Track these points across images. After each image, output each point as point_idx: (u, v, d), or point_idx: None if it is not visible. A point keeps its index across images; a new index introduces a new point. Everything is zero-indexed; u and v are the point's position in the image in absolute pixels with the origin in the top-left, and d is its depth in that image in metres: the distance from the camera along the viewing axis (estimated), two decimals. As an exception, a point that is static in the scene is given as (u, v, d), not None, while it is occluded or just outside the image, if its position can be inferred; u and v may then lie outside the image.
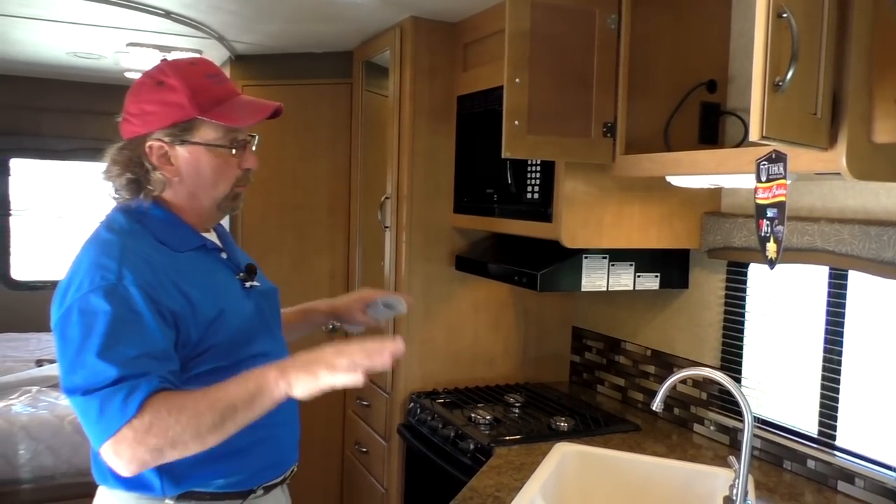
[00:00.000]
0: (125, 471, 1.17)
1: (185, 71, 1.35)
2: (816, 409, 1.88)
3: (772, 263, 1.20)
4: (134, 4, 2.54)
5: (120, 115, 1.38)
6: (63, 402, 3.30)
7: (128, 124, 1.36)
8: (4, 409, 3.21)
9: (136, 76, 3.67)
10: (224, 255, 1.46)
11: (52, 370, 3.69)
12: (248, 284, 1.46)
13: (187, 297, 1.29)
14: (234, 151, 1.38)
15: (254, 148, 1.45)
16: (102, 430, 1.15)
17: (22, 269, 4.77)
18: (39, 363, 3.90)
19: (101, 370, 1.16)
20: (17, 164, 4.75)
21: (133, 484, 1.31)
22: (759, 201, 1.22)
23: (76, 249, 1.33)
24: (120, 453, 1.15)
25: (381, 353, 1.23)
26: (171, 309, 1.26)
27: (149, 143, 1.34)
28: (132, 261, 1.25)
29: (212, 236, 1.48)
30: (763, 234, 1.21)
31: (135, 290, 1.22)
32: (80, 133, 4.53)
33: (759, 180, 1.22)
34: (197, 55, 3.17)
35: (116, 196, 1.37)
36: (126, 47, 3.20)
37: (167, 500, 1.33)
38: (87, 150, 4.52)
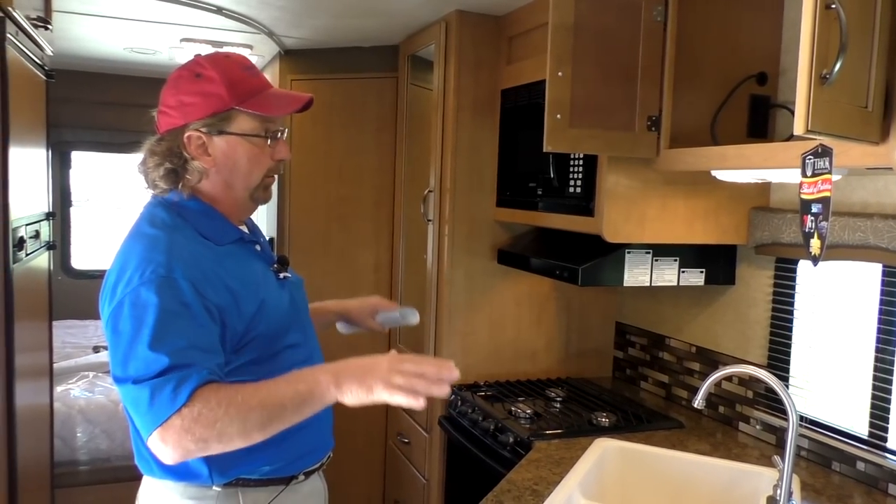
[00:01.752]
0: (169, 459, 1.19)
1: (221, 63, 1.37)
2: (867, 409, 1.83)
3: (815, 260, 1.17)
4: (187, 1, 2.60)
5: (156, 109, 1.41)
6: (118, 387, 3.41)
7: (166, 117, 1.39)
8: (63, 394, 3.34)
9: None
10: (258, 248, 1.49)
11: (108, 356, 3.82)
12: (281, 276, 1.49)
13: (231, 290, 1.32)
14: (269, 142, 1.41)
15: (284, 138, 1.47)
16: (153, 418, 1.16)
17: (81, 258, 4.94)
18: (96, 349, 4.04)
19: (151, 360, 1.18)
20: (77, 157, 4.92)
21: (181, 473, 1.35)
22: (804, 196, 1.20)
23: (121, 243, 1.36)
24: (166, 440, 1.16)
25: (440, 382, 1.20)
26: (217, 304, 1.28)
27: (187, 134, 1.36)
28: (180, 255, 1.28)
29: (244, 228, 1.51)
30: (807, 230, 1.18)
31: (184, 283, 1.24)
32: (136, 126, 4.62)
33: (804, 175, 1.20)
34: (233, 50, 3.25)
35: (153, 187, 1.40)
36: (180, 43, 3.29)
37: (215, 488, 1.37)
38: (145, 144, 4.65)
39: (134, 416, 1.22)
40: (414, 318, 1.72)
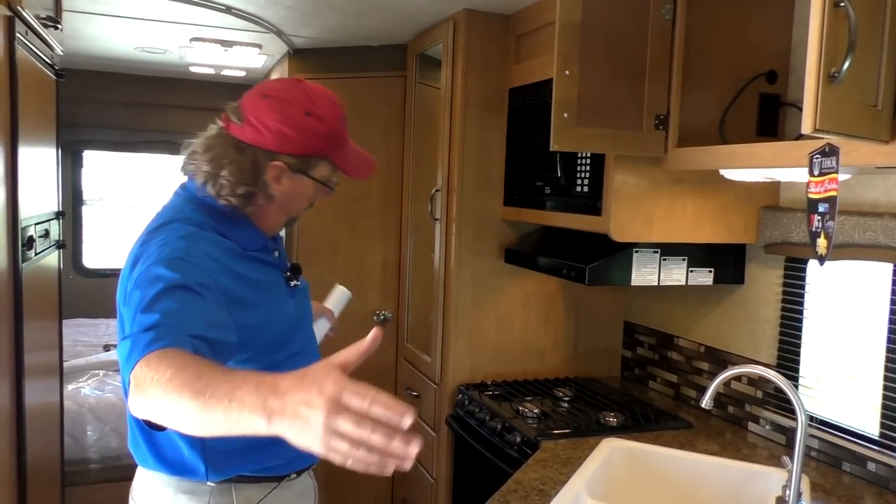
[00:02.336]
0: (134, 410, 1.00)
1: (329, 108, 1.39)
2: (878, 409, 1.81)
3: (822, 260, 1.16)
4: (197, 0, 2.61)
5: (233, 105, 1.38)
6: (128, 385, 3.43)
7: (255, 131, 1.34)
8: (74, 392, 3.36)
9: (200, 70, 3.75)
10: (276, 254, 1.50)
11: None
12: (292, 284, 1.49)
13: (244, 287, 1.32)
14: (331, 191, 1.47)
15: None
16: (128, 367, 1.04)
17: (92, 256, 4.98)
18: (107, 348, 4.06)
19: (144, 319, 1.10)
20: (91, 156, 4.95)
21: (176, 467, 1.36)
22: (811, 196, 1.19)
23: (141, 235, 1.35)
24: (134, 386, 1.00)
25: (398, 439, 0.81)
26: (226, 292, 1.26)
27: (275, 162, 1.35)
28: (199, 245, 1.27)
29: None
30: (814, 230, 1.17)
31: (197, 268, 1.22)
32: (148, 126, 4.69)
33: (811, 174, 1.19)
34: (243, 49, 3.25)
35: (217, 196, 1.35)
36: (190, 42, 3.30)
37: (209, 483, 1.37)
38: (156, 143, 4.69)
39: (122, 372, 1.12)
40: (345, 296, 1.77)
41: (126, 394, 1.07)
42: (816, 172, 1.17)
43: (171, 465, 1.35)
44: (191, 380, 0.93)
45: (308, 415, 0.81)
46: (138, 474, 1.46)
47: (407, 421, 0.81)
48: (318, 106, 1.36)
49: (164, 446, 1.36)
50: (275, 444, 1.33)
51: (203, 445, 1.35)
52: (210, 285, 1.22)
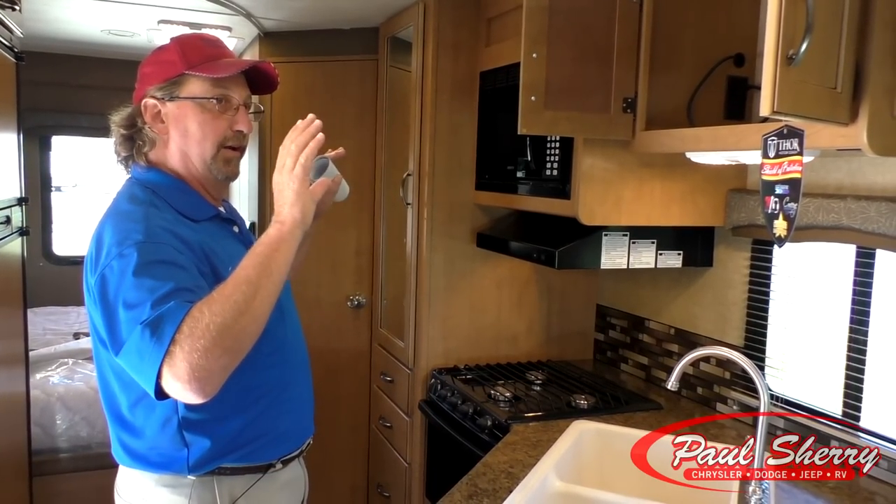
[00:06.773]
0: (198, 393, 1.10)
1: (182, 36, 1.44)
2: (841, 389, 1.84)
3: (781, 241, 1.17)
4: (163, -19, 2.57)
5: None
6: (99, 373, 3.39)
7: (135, 93, 1.45)
8: (42, 381, 3.32)
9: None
10: (236, 229, 1.49)
11: (89, 343, 3.80)
12: None
13: (209, 259, 1.32)
14: (219, 106, 1.40)
15: (251, 111, 1.47)
16: (150, 372, 1.11)
17: (63, 244, 4.90)
18: (77, 336, 4.01)
19: (135, 299, 1.15)
20: (63, 142, 4.85)
21: (157, 464, 1.35)
22: (765, 178, 1.19)
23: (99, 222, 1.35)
24: (177, 375, 1.09)
25: (300, 138, 1.32)
26: (197, 265, 1.28)
27: (144, 101, 1.41)
28: (156, 224, 1.28)
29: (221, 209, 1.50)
30: (770, 212, 1.17)
31: (163, 246, 1.24)
32: (117, 110, 4.60)
33: (765, 156, 1.19)
34: (212, 32, 3.20)
35: (116, 156, 1.46)
36: (158, 25, 3.24)
37: (190, 477, 1.36)
38: None
39: (138, 379, 1.17)
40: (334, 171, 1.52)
41: (152, 373, 1.11)
42: (772, 154, 1.18)
43: (152, 460, 1.35)
44: (221, 289, 1.16)
45: (281, 184, 1.35)
46: (120, 471, 1.45)
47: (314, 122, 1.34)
48: (170, 40, 1.43)
49: (144, 442, 1.36)
50: (257, 438, 1.33)
51: (183, 439, 1.34)
52: (177, 256, 1.24)
